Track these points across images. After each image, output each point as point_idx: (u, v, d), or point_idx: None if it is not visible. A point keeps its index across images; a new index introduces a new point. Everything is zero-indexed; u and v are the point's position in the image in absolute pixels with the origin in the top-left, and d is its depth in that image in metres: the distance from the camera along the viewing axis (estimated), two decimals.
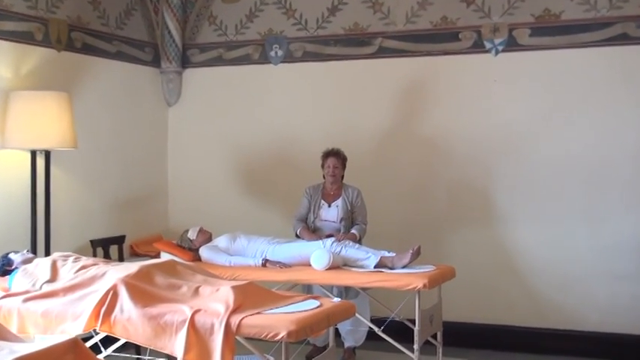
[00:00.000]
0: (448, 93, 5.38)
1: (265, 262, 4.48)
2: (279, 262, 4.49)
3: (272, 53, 5.77)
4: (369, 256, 4.41)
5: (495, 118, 5.25)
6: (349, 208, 4.83)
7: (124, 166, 5.58)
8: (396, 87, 5.48)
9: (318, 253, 4.38)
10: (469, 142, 5.31)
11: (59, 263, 3.57)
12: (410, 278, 4.12)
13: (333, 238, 4.56)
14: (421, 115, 5.45)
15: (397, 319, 4.54)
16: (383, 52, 5.47)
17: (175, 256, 4.68)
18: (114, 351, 3.53)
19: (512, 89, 5.23)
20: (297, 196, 5.02)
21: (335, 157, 4.85)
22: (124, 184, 5.57)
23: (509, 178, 5.23)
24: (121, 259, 5.18)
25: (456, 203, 5.37)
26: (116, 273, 3.31)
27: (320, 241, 4.55)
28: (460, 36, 5.28)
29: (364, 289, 4.61)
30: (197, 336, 2.97)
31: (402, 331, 4.42)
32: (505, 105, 5.24)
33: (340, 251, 4.46)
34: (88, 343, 3.24)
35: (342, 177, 4.94)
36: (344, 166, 4.92)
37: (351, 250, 4.47)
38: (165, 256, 4.73)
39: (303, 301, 3.33)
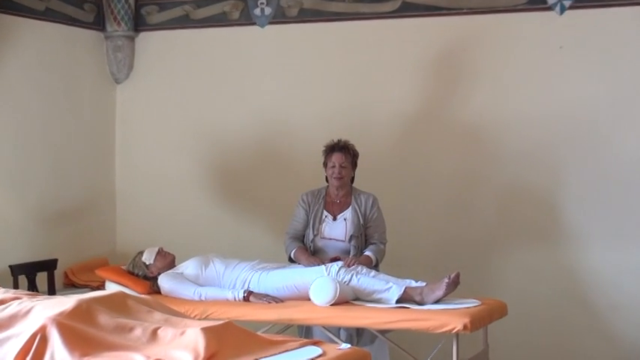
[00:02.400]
0: (496, 65, 5.37)
1: (248, 295, 4.49)
2: (266, 296, 4.50)
3: (257, 11, 5.78)
4: (389, 287, 4.40)
5: (561, 99, 5.26)
6: (362, 221, 4.83)
7: (55, 166, 5.56)
8: (425, 57, 5.47)
9: (320, 283, 4.38)
10: (525, 133, 5.30)
11: None
12: (445, 317, 4.12)
13: (340, 263, 4.56)
14: (459, 96, 5.43)
15: None
16: (408, 10, 5.47)
17: (126, 287, 4.71)
18: None
19: (584, 59, 5.21)
20: (291, 205, 5.00)
21: (342, 152, 4.82)
22: (55, 190, 5.55)
23: (581, 182, 5.25)
24: (51, 291, 5.16)
25: (508, 216, 5.36)
26: (45, 310, 3.27)
27: (322, 267, 4.55)
28: None
29: (383, 331, 4.60)
30: None
31: None
32: (574, 81, 5.25)
33: (350, 280, 4.45)
34: None
35: (352, 179, 4.93)
36: (354, 165, 4.90)
37: (364, 279, 4.46)
38: (111, 287, 4.77)
39: (299, 347, 3.31)
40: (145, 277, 4.85)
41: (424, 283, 4.41)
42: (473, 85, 5.42)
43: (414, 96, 5.50)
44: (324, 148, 4.89)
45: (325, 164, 4.88)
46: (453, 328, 4.05)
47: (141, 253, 4.92)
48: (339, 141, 4.88)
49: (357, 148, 4.93)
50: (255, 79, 5.81)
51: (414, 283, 4.43)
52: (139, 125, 6.04)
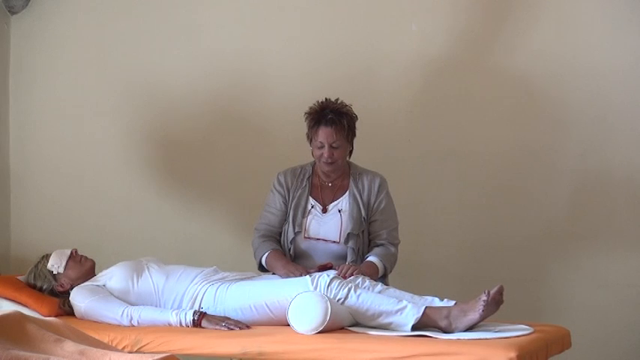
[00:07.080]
0: None
1: (200, 319, 4.53)
2: (226, 319, 4.53)
3: None
4: (402, 308, 4.43)
5: None
6: (364, 214, 4.91)
7: None
8: None
9: (303, 302, 4.39)
10: (605, 92, 5.36)
11: None
12: (483, 350, 4.12)
13: (332, 272, 4.61)
14: (508, 36, 5.47)
15: None
16: None
17: (24, 306, 4.73)
18: None
19: None
20: (262, 189, 5.06)
21: (331, 127, 4.81)
22: None
23: None
24: None
25: (575, 209, 5.47)
26: None
27: (307, 278, 4.58)
28: None
29: None
30: None
31: None
32: None
33: (347, 297, 4.48)
34: None
35: (351, 152, 4.96)
36: (352, 136, 4.92)
37: (367, 296, 4.50)
38: (4, 307, 4.75)
39: None
40: (52, 293, 4.86)
41: (452, 302, 4.46)
42: (529, 19, 5.45)
43: (442, 35, 5.54)
44: (306, 115, 4.89)
45: (310, 139, 4.91)
46: None
47: (46, 257, 4.92)
48: (326, 106, 4.86)
49: (359, 111, 4.92)
50: (209, 9, 5.82)
51: (437, 302, 4.48)
52: (43, 76, 6.04)
